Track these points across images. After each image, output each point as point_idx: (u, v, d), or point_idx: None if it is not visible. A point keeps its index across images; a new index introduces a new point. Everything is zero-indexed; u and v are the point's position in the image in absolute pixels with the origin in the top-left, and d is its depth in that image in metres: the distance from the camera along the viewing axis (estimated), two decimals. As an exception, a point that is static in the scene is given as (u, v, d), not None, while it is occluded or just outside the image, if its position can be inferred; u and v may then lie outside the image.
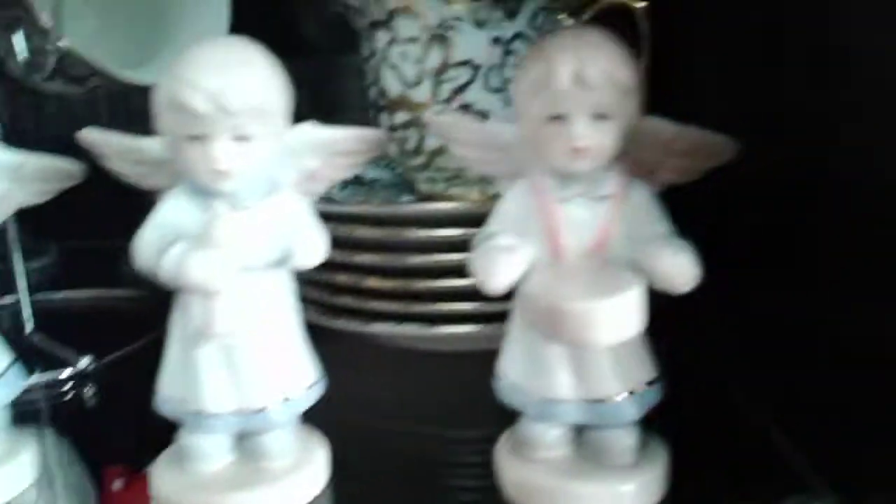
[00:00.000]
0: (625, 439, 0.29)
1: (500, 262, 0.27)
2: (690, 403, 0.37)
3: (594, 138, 0.27)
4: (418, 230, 0.40)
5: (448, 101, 0.43)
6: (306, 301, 0.45)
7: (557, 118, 0.27)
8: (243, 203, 0.28)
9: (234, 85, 0.26)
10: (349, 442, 0.36)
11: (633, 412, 0.29)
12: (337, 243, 0.42)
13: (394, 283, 0.41)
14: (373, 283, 0.41)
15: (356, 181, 0.54)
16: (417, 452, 0.35)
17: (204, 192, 0.28)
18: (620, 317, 0.26)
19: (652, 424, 0.30)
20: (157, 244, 0.28)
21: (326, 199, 0.46)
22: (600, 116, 0.26)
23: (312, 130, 0.31)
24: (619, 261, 0.28)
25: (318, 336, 0.44)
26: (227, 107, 0.26)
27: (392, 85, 0.44)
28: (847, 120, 0.32)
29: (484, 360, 0.31)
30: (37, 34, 0.44)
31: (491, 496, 0.30)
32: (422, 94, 0.43)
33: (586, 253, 0.28)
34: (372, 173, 0.55)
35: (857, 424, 0.28)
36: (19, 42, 0.44)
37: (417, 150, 0.45)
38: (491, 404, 0.31)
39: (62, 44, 0.44)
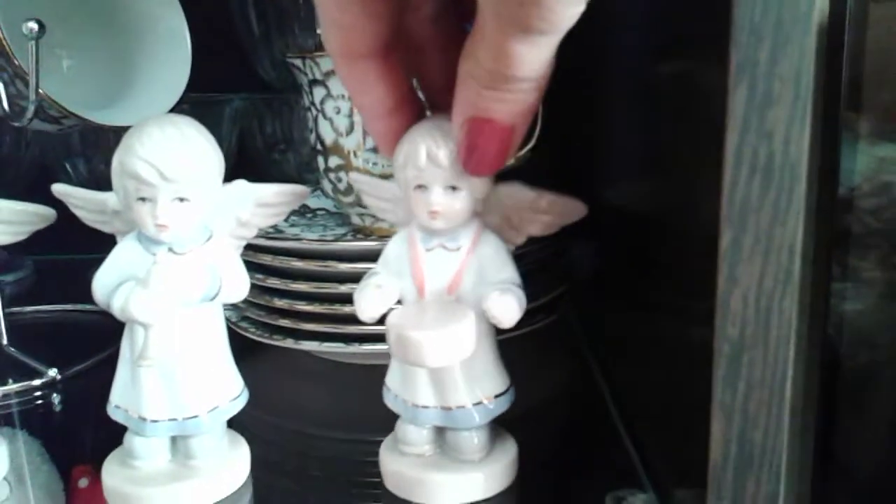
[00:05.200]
0: (474, 439, 0.36)
1: (370, 299, 0.35)
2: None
3: (446, 204, 0.33)
4: (343, 264, 0.47)
5: (374, 149, 0.50)
6: (248, 321, 0.52)
7: (420, 187, 0.33)
8: (182, 249, 0.35)
9: (175, 158, 0.33)
10: (278, 442, 0.43)
11: (479, 419, 0.36)
12: (275, 272, 0.49)
13: (322, 308, 0.48)
14: (304, 307, 0.48)
15: (302, 210, 0.61)
16: (332, 453, 0.42)
17: (150, 240, 0.35)
18: (448, 344, 0.32)
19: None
20: (110, 283, 0.34)
21: (271, 233, 0.53)
22: (452, 188, 0.33)
23: (243, 186, 0.37)
24: (469, 300, 0.35)
25: (258, 351, 0.50)
26: (169, 176, 0.33)
27: (327, 133, 0.51)
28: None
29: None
30: (16, 81, 0.49)
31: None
32: (352, 142, 0.50)
33: (441, 293, 0.35)
34: (316, 203, 0.61)
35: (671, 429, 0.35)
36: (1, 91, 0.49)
37: (348, 190, 0.51)
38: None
39: (40, 91, 0.49)
